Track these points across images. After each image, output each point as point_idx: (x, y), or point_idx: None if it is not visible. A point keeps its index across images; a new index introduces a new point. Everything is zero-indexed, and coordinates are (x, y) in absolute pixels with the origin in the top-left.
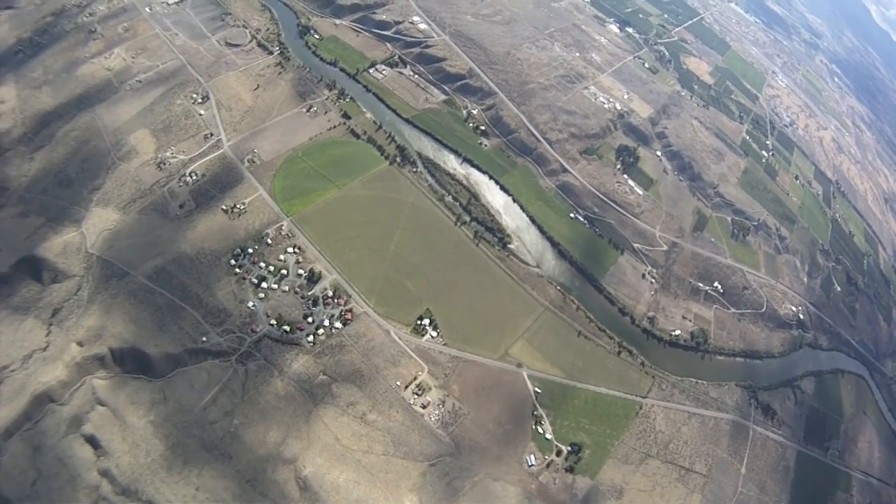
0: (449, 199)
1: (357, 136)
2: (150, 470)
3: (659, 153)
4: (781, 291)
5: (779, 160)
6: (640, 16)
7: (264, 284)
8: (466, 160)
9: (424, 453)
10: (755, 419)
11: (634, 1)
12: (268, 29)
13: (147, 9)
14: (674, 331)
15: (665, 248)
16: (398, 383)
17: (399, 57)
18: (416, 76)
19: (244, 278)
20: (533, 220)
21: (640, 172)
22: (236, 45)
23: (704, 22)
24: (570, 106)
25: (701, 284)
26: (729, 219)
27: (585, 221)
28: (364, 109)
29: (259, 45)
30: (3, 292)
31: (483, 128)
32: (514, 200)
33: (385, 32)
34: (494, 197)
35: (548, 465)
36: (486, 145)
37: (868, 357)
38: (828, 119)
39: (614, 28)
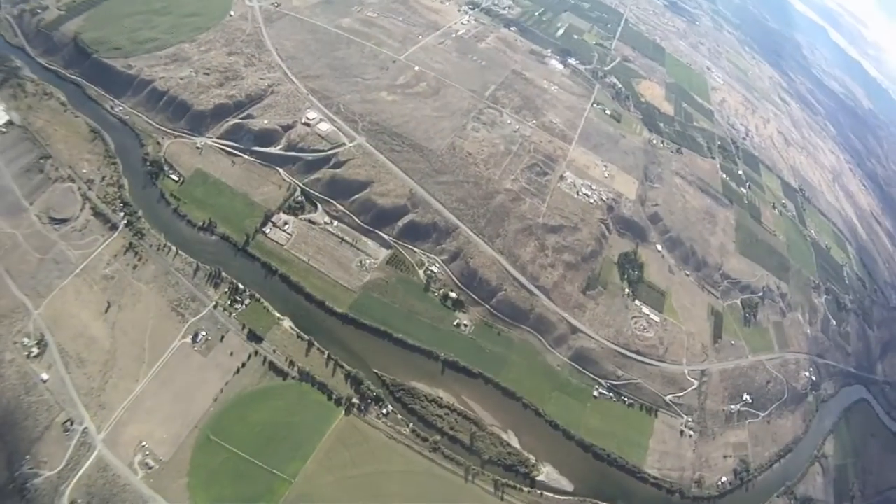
0: (445, 442)
1: (281, 372)
2: None
3: (659, 247)
4: (794, 361)
5: (755, 191)
6: (574, 36)
7: None
8: (447, 364)
9: None
10: None
11: (560, 17)
12: (104, 177)
13: None
14: (720, 480)
15: (695, 384)
16: None
17: (302, 192)
18: (336, 222)
19: None
20: (555, 426)
21: (648, 288)
22: (63, 221)
23: (630, 24)
24: (554, 216)
25: (733, 407)
26: (738, 301)
27: (611, 394)
28: (276, 313)
29: (95, 212)
30: None
31: (454, 294)
32: (525, 405)
33: (272, 150)
34: (498, 411)
35: None
36: (465, 325)
37: (864, 376)
38: (764, 105)
39: (557, 65)
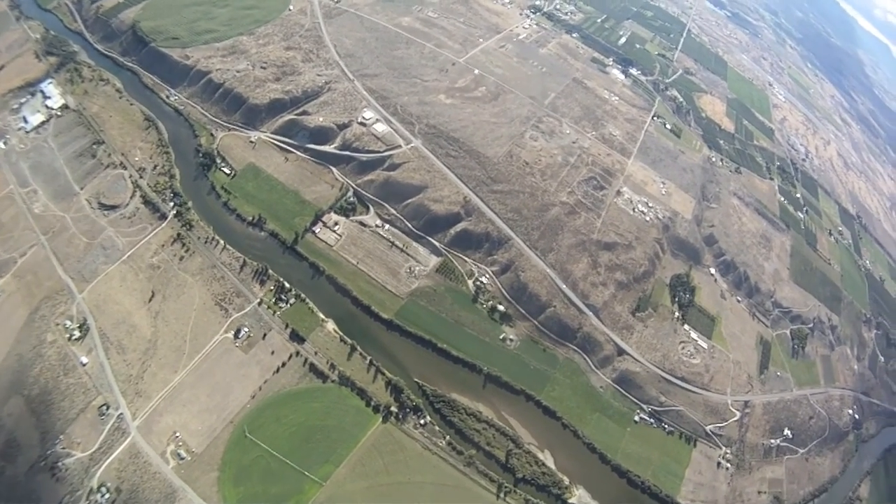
0: (480, 457)
1: (321, 374)
2: None
3: (712, 270)
4: (839, 397)
5: (812, 216)
6: (637, 45)
7: None
8: (489, 378)
9: None
10: None
11: (623, 25)
12: (156, 166)
13: (1, 143)
14: None
15: (737, 415)
16: None
17: (355, 193)
18: (387, 226)
19: None
20: (592, 449)
21: (699, 313)
22: (113, 208)
23: (692, 34)
24: (609, 233)
25: (772, 441)
26: (788, 331)
27: (651, 420)
28: (320, 314)
29: (145, 201)
30: None
31: (502, 307)
32: (564, 425)
33: (327, 148)
34: (537, 429)
35: None
36: (511, 340)
37: None
38: (825, 126)
39: (619, 75)
